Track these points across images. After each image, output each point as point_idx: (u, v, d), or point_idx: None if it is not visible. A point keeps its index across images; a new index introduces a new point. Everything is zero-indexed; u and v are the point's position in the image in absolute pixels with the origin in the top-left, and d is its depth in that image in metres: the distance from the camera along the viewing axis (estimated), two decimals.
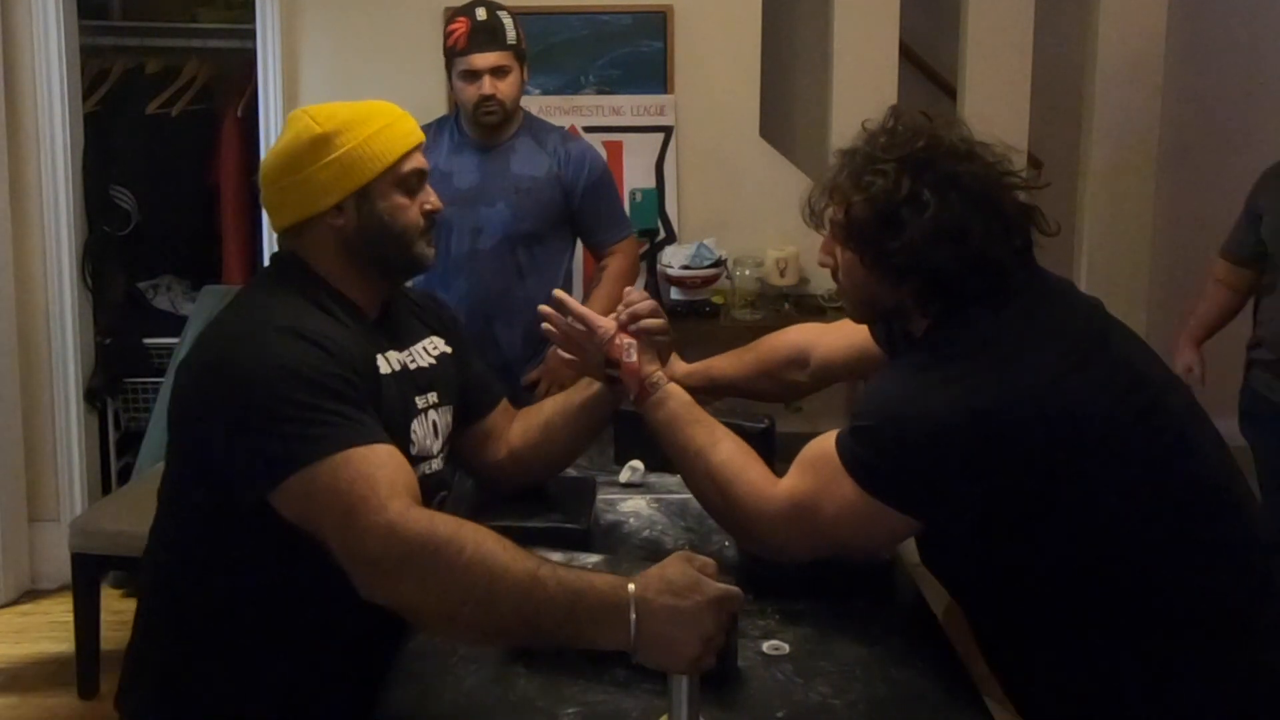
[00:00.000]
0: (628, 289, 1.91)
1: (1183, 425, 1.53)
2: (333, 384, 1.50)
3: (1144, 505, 1.46)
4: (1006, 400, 1.43)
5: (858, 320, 1.75)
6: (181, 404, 1.59)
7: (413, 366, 1.75)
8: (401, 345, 1.75)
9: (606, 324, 1.84)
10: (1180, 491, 1.49)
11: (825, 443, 1.54)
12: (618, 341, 1.81)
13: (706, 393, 2.06)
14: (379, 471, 1.43)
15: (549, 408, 1.96)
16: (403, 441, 1.64)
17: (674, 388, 1.76)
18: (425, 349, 1.80)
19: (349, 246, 1.67)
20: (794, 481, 1.56)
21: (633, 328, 1.82)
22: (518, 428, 1.95)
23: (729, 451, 1.64)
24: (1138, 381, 1.51)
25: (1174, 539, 1.47)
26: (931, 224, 1.48)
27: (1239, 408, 3.33)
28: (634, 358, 1.79)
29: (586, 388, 1.92)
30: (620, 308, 1.86)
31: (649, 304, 1.85)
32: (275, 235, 1.77)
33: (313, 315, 1.60)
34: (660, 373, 1.78)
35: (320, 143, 1.64)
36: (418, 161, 1.71)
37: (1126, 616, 1.48)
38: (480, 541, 1.38)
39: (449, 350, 1.85)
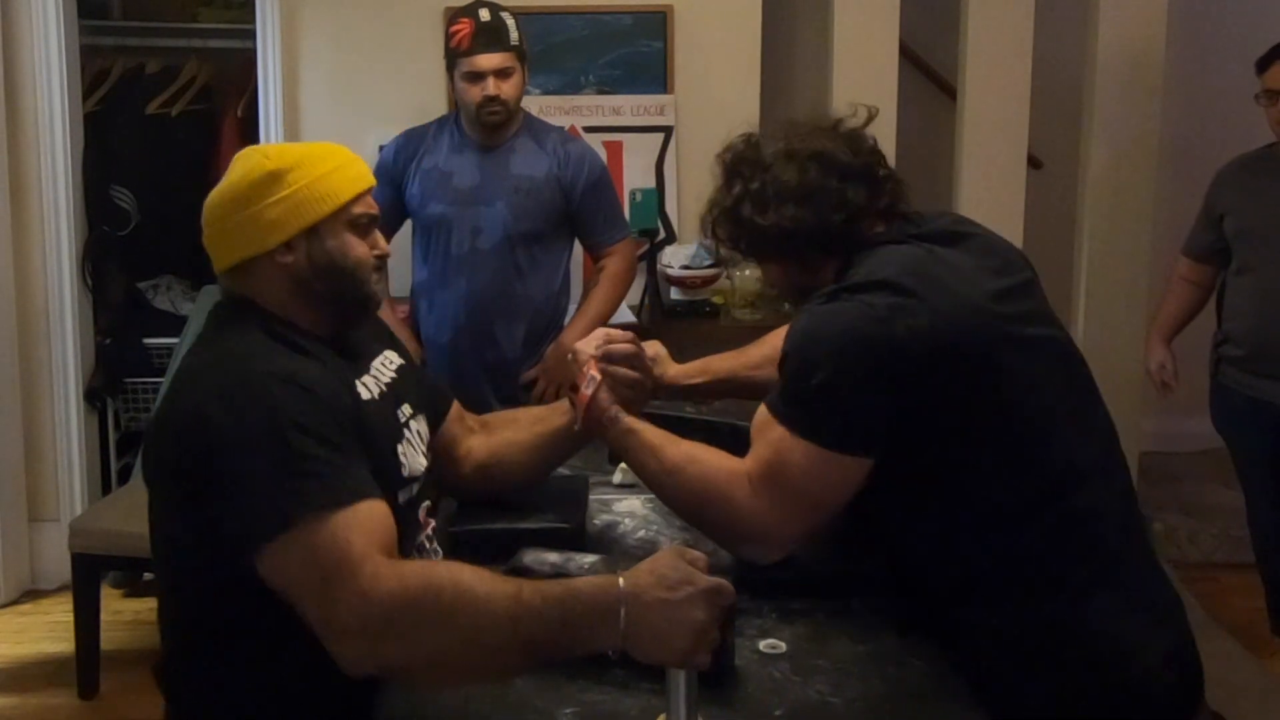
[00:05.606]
0: (613, 332, 1.90)
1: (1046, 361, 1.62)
2: (322, 430, 1.45)
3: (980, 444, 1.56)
4: (911, 302, 1.53)
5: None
6: (159, 461, 1.54)
7: (385, 384, 1.71)
8: (366, 368, 1.71)
9: (584, 354, 1.85)
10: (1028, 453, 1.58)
11: (764, 409, 1.61)
12: (585, 370, 1.82)
13: (705, 392, 2.06)
14: (353, 535, 1.38)
15: (524, 421, 1.95)
16: (393, 467, 1.62)
17: (629, 424, 1.76)
18: (383, 365, 1.76)
19: (300, 285, 1.61)
20: (753, 458, 1.60)
21: (603, 367, 1.82)
22: (483, 440, 1.93)
23: (695, 467, 1.65)
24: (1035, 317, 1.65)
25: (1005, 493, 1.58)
26: (754, 206, 1.68)
27: (1210, 406, 3.32)
28: (589, 391, 1.78)
29: (565, 413, 1.89)
30: (602, 341, 1.86)
31: (624, 349, 1.85)
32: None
33: (287, 356, 1.54)
34: (615, 410, 1.78)
35: (271, 179, 1.60)
36: (368, 205, 1.67)
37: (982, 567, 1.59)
38: (456, 580, 1.35)
39: (401, 360, 1.82)
